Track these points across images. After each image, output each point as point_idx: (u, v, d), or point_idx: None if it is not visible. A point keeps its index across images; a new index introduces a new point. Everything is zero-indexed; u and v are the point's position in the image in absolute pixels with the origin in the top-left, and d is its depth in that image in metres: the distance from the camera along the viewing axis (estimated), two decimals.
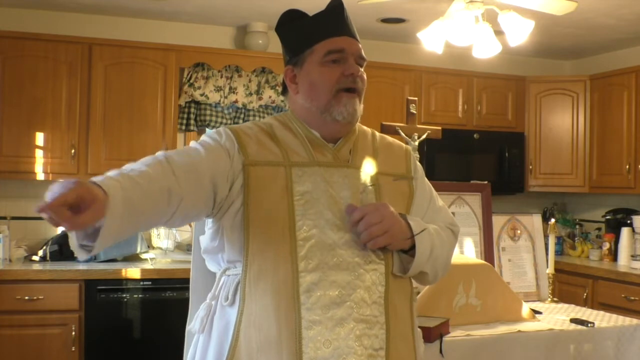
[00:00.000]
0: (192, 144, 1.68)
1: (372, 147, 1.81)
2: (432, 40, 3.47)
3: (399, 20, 4.71)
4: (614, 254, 4.93)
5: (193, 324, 1.71)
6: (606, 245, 4.99)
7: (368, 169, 1.75)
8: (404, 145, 1.91)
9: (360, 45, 1.76)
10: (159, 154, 1.58)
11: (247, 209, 1.60)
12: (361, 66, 1.75)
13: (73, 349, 3.95)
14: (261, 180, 1.62)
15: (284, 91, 1.81)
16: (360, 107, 1.75)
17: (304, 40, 1.72)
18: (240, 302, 1.58)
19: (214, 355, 1.62)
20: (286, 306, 1.55)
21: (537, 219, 3.19)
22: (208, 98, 4.69)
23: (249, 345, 1.55)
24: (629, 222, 4.85)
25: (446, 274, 1.85)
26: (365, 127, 1.88)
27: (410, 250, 1.68)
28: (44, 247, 4.33)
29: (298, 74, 1.74)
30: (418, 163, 1.90)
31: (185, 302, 1.91)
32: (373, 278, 1.62)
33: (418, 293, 2.48)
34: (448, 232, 1.83)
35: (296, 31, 1.75)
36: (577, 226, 5.55)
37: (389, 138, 1.91)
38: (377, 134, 1.89)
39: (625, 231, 4.80)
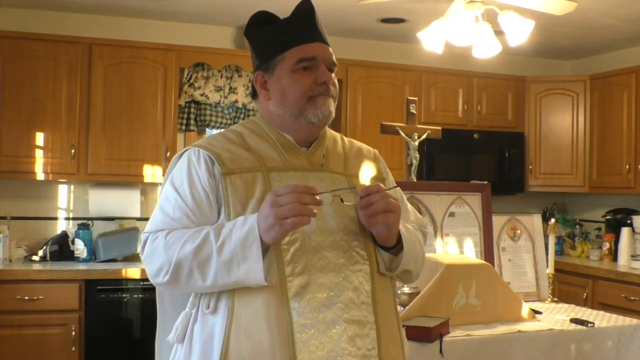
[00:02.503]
0: (174, 197, 1.64)
1: (343, 151, 1.81)
2: (432, 40, 3.47)
3: (399, 20, 4.70)
4: (614, 254, 4.92)
5: (171, 334, 1.68)
6: (606, 245, 4.99)
7: (342, 172, 1.75)
8: (371, 148, 1.91)
9: (331, 51, 1.72)
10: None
11: (229, 218, 1.59)
12: (332, 71, 1.71)
13: (73, 349, 3.96)
14: (240, 188, 1.61)
15: (254, 95, 1.79)
16: (333, 109, 1.72)
17: (274, 46, 1.69)
18: (228, 310, 1.57)
19: None
20: (276, 312, 1.54)
21: (537, 219, 3.19)
22: (208, 98, 4.69)
23: (240, 354, 1.53)
24: (629, 222, 4.85)
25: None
26: (334, 132, 1.86)
27: (392, 249, 1.69)
28: (44, 247, 4.34)
29: (269, 80, 1.71)
30: (386, 166, 1.91)
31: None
32: (359, 279, 1.62)
33: (418, 293, 2.48)
34: (420, 233, 1.86)
35: (266, 36, 1.71)
36: (577, 226, 5.55)
37: (357, 142, 1.90)
38: (345, 138, 1.88)
39: (625, 231, 4.80)
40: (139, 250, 4.35)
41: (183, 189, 1.64)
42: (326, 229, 1.62)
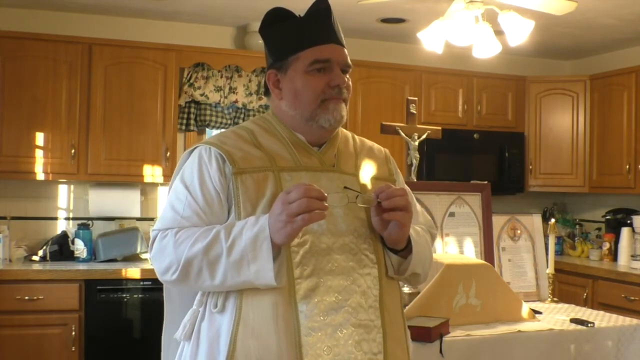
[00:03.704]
0: (184, 194, 1.64)
1: (355, 151, 1.80)
2: (432, 40, 3.47)
3: (399, 20, 4.71)
4: (614, 254, 4.92)
5: (178, 331, 1.67)
6: (606, 245, 4.99)
7: (353, 172, 1.74)
8: (382, 148, 1.90)
9: (346, 52, 1.70)
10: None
11: (239, 218, 1.58)
12: (346, 73, 1.70)
13: (73, 349, 3.96)
14: (251, 188, 1.60)
15: (267, 92, 1.78)
16: (345, 113, 1.71)
17: (289, 45, 1.67)
18: (236, 310, 1.56)
19: None
20: (284, 314, 1.53)
21: (537, 219, 3.19)
22: (208, 98, 4.69)
23: (248, 354, 1.53)
24: (629, 222, 4.85)
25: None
26: (345, 131, 1.85)
27: (401, 252, 1.68)
28: (44, 247, 4.34)
29: (282, 80, 1.70)
30: (397, 166, 1.90)
31: None
32: (368, 282, 1.62)
33: (418, 293, 2.48)
34: (428, 235, 1.84)
35: (280, 35, 1.69)
36: (577, 226, 5.55)
37: (369, 141, 1.89)
38: (357, 137, 1.87)
39: (625, 231, 4.80)
40: (139, 249, 4.37)
41: (194, 187, 1.63)
42: (336, 231, 1.61)
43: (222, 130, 4.72)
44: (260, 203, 1.59)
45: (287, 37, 1.68)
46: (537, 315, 2.68)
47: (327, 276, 1.57)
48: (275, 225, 1.49)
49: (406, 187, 1.90)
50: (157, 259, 1.61)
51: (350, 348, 1.55)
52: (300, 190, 1.46)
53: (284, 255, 1.55)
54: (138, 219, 4.64)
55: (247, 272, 1.51)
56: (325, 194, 1.49)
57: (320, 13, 1.69)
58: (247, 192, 1.60)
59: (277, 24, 1.70)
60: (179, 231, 1.59)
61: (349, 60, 1.71)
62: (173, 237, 1.58)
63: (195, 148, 1.70)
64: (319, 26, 1.67)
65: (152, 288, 4.10)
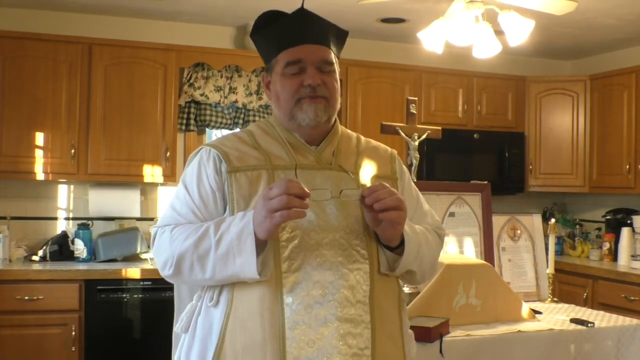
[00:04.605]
0: (184, 195, 1.70)
1: (356, 150, 1.81)
2: (432, 40, 3.47)
3: (399, 20, 4.71)
4: (614, 254, 4.93)
5: (177, 325, 1.74)
6: (606, 245, 5.00)
7: (353, 170, 1.74)
8: (389, 148, 1.91)
9: (326, 49, 1.71)
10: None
11: (233, 214, 1.63)
12: (326, 71, 1.70)
13: (73, 349, 3.96)
14: (244, 185, 1.65)
15: None
16: (327, 110, 1.71)
17: (270, 49, 1.74)
18: (228, 303, 1.61)
19: (197, 355, 1.64)
20: (270, 307, 1.57)
21: (537, 219, 3.19)
22: (208, 98, 4.69)
23: (234, 346, 1.57)
24: (629, 222, 4.85)
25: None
26: (350, 131, 1.87)
27: (397, 248, 1.68)
28: (44, 247, 4.34)
29: (270, 81, 1.77)
30: (404, 167, 1.90)
31: None
32: (357, 278, 1.62)
33: (418, 293, 2.48)
34: (434, 235, 1.83)
35: (265, 39, 1.76)
36: (577, 226, 5.55)
37: (375, 142, 1.91)
38: (363, 138, 1.89)
39: (625, 231, 4.80)
40: (139, 249, 4.37)
41: (192, 187, 1.69)
42: (327, 227, 1.63)
43: (223, 130, 4.75)
44: (253, 200, 1.63)
45: (269, 42, 1.74)
46: (537, 315, 2.68)
47: (314, 271, 1.59)
48: (256, 220, 1.53)
49: (414, 186, 1.90)
50: (157, 255, 1.68)
51: (334, 342, 1.56)
52: (281, 186, 1.49)
53: (270, 250, 1.58)
54: (138, 219, 4.64)
55: (234, 266, 1.56)
56: (308, 191, 1.50)
57: (296, 14, 1.73)
58: (240, 190, 1.65)
59: (263, 28, 1.76)
60: (175, 228, 1.65)
61: (330, 57, 1.72)
62: (169, 233, 1.64)
63: (199, 150, 1.76)
64: (292, 28, 1.71)
65: (152, 288, 4.10)
